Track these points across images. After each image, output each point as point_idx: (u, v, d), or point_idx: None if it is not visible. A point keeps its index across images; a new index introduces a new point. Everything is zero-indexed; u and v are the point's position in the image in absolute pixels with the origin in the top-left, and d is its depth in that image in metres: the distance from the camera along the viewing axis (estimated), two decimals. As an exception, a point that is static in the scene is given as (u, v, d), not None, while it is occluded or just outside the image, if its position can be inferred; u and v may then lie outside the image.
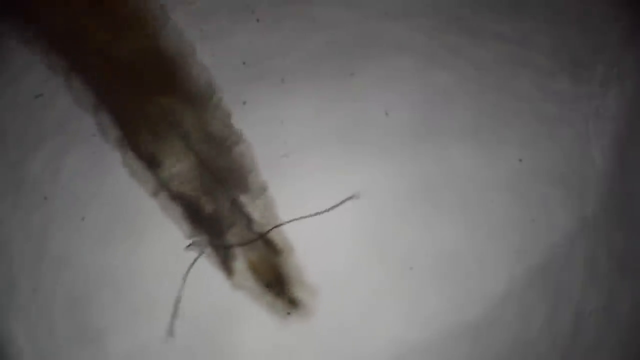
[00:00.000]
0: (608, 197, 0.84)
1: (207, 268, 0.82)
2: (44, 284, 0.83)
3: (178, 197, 0.78)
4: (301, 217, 0.79)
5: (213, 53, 0.82)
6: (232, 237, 0.79)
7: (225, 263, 0.80)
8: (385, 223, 0.83)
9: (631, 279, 0.82)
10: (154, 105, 0.76)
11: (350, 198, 0.80)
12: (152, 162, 0.78)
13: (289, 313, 0.82)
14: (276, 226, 0.79)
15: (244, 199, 0.79)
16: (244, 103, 0.83)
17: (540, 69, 0.86)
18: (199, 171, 0.77)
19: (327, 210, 0.80)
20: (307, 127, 0.85)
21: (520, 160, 0.85)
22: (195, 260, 0.80)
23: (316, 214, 0.79)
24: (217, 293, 0.82)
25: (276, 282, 0.81)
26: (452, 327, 0.81)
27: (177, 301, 0.79)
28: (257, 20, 0.86)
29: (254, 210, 0.80)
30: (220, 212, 0.78)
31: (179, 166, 0.78)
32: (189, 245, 0.80)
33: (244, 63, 0.83)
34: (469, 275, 0.83)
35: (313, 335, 0.82)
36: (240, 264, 0.80)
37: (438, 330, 0.81)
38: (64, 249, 0.84)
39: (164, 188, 0.79)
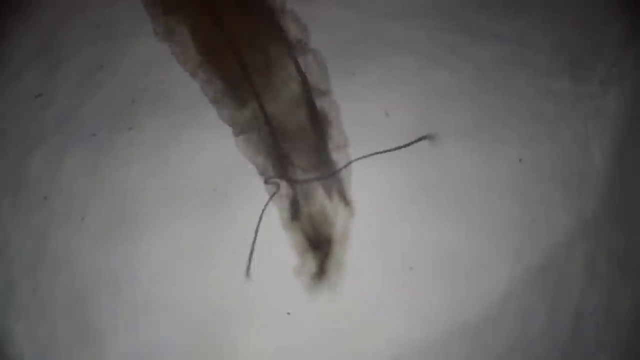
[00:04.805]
0: (608, 197, 0.84)
1: (208, 269, 0.82)
2: (44, 284, 0.83)
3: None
4: (376, 153, 0.81)
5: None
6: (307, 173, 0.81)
7: (294, 203, 0.81)
8: (386, 223, 0.84)
9: (631, 278, 0.82)
10: None
11: (423, 138, 0.81)
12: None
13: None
14: (349, 163, 0.81)
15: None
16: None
17: (540, 69, 0.87)
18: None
19: (400, 148, 0.82)
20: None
21: (520, 160, 0.85)
22: (272, 196, 0.81)
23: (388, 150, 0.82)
24: (218, 294, 0.82)
25: (323, 243, 0.81)
26: (453, 327, 0.81)
27: (254, 242, 0.80)
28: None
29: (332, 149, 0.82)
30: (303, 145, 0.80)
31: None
32: (266, 181, 0.81)
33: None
34: (469, 275, 0.83)
35: (313, 335, 0.82)
36: (303, 210, 0.81)
37: (438, 329, 0.81)
38: (64, 249, 0.84)
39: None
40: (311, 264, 0.81)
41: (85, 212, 0.84)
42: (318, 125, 0.82)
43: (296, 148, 0.81)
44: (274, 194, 0.80)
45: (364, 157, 0.81)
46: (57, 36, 0.87)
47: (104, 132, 0.86)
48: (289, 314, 0.82)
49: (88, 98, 0.86)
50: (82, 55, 0.87)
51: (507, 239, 0.83)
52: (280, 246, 0.82)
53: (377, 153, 0.81)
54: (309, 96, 0.82)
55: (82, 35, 0.87)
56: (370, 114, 0.86)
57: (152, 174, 0.85)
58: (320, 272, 0.81)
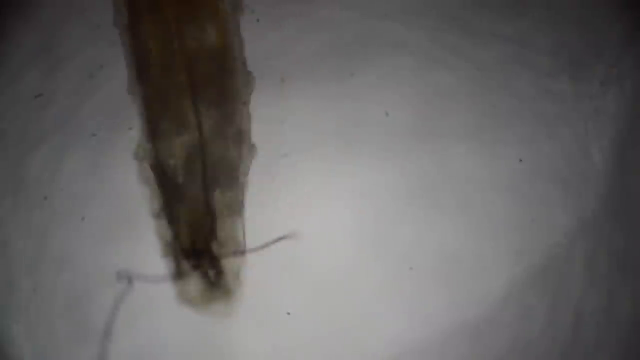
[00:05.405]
0: (608, 197, 0.84)
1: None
2: (44, 284, 0.83)
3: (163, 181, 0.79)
4: (238, 251, 0.80)
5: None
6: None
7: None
8: (385, 223, 0.84)
9: (631, 279, 0.82)
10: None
11: (283, 238, 0.80)
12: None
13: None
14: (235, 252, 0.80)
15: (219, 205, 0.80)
16: (244, 103, 0.83)
17: (540, 69, 0.87)
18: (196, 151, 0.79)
19: (259, 249, 0.80)
20: (307, 127, 0.85)
21: (520, 160, 0.85)
22: (125, 291, 0.80)
23: (251, 250, 0.80)
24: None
25: (206, 248, 0.80)
26: (452, 327, 0.81)
27: (109, 327, 0.79)
28: (257, 21, 0.86)
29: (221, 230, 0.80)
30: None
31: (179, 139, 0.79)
32: (118, 275, 0.80)
33: (243, 63, 0.84)
34: (469, 275, 0.83)
35: (313, 335, 0.82)
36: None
37: (438, 330, 0.81)
38: (64, 249, 0.84)
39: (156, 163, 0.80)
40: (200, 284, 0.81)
41: (85, 212, 0.84)
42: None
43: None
44: (124, 294, 0.80)
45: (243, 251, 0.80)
46: (57, 36, 0.87)
47: (104, 132, 0.86)
48: (289, 314, 0.82)
49: (88, 98, 0.86)
50: (82, 55, 0.87)
51: (507, 239, 0.83)
52: (279, 245, 0.82)
53: (250, 251, 0.81)
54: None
55: (82, 35, 0.87)
56: (370, 114, 0.86)
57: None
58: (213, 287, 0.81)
